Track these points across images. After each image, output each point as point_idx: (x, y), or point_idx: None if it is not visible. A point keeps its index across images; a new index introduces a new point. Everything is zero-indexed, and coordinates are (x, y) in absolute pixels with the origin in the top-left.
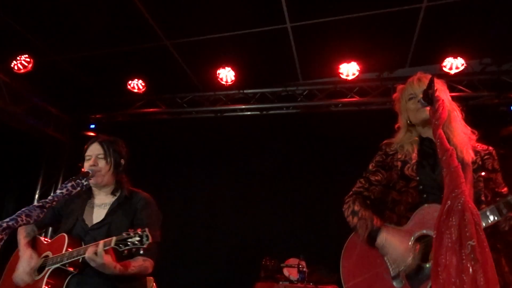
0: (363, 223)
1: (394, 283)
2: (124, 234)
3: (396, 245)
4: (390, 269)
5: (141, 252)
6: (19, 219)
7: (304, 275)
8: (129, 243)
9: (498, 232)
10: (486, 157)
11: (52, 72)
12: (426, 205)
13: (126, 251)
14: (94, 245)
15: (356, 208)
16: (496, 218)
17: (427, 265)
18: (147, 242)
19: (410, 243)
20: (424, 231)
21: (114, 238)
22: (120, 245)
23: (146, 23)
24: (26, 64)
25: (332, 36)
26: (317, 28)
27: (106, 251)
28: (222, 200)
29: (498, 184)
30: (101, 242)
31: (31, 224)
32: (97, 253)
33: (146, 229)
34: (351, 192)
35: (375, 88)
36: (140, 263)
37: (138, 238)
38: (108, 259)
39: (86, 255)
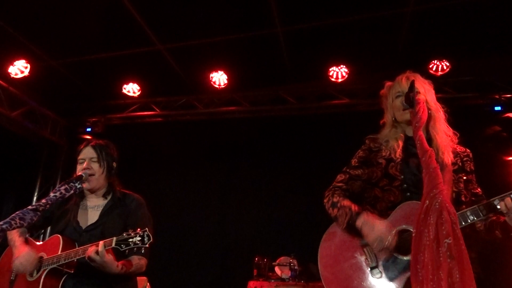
0: (342, 211)
1: (372, 274)
2: (124, 234)
3: (376, 224)
4: (369, 259)
5: (142, 251)
6: (12, 222)
7: (295, 273)
8: (130, 243)
9: (474, 231)
10: (465, 159)
11: (48, 77)
12: (408, 201)
13: (127, 251)
14: (94, 245)
15: (335, 199)
16: (475, 218)
17: (404, 258)
18: (149, 242)
19: (392, 231)
20: (404, 226)
21: (114, 239)
22: (122, 245)
23: (140, 29)
24: (23, 69)
25: (321, 40)
26: (307, 32)
27: (106, 251)
28: (215, 200)
29: (473, 185)
30: (102, 243)
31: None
32: (99, 252)
33: (146, 229)
34: (331, 186)
35: (364, 90)
36: (137, 262)
37: (139, 238)
38: (110, 258)
39: (88, 255)
